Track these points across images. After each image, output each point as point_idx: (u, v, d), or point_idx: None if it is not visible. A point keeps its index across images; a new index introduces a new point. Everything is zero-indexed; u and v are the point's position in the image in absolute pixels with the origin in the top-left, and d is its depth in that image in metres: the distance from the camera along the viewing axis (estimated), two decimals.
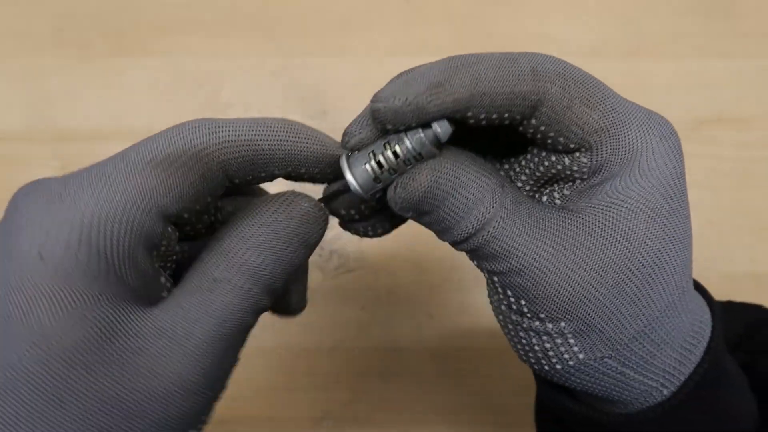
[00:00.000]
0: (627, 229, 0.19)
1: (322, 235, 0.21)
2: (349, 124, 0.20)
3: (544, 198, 0.21)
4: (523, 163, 0.22)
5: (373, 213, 0.23)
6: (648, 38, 0.43)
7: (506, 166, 0.22)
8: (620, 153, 0.19)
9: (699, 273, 0.43)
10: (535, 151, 0.21)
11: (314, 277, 0.41)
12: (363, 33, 0.44)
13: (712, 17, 0.44)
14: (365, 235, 0.23)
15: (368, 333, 0.41)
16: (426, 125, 0.19)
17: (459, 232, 0.20)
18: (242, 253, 0.19)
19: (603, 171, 0.19)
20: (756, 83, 0.43)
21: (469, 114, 0.19)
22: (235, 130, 0.19)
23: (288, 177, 0.21)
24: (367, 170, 0.20)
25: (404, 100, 0.18)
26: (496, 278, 0.20)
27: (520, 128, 0.20)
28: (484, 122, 0.19)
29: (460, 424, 0.40)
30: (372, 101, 0.19)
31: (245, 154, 0.19)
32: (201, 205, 0.19)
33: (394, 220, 0.23)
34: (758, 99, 0.43)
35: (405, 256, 0.41)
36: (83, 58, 0.43)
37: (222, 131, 0.18)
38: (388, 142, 0.20)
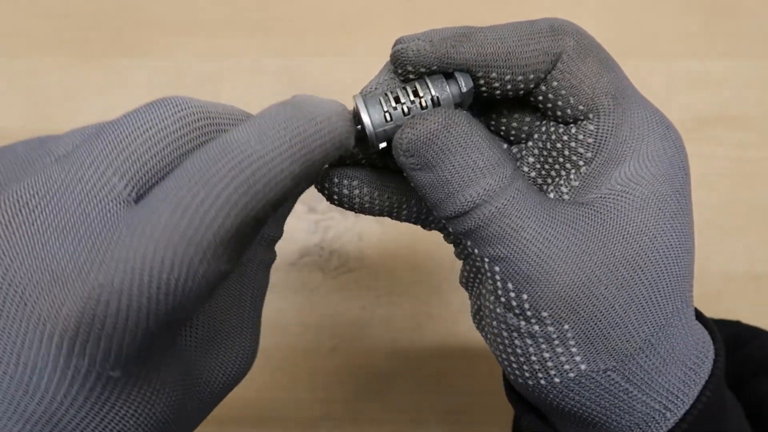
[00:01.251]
0: (639, 221, 0.18)
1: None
2: (369, 82, 0.19)
3: (551, 194, 0.20)
4: (530, 144, 0.21)
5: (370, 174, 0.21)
6: (648, 38, 0.43)
7: (514, 150, 0.21)
8: (627, 128, 0.19)
9: (699, 273, 0.43)
10: (543, 128, 0.20)
11: (314, 277, 0.41)
12: (363, 33, 0.44)
13: (712, 17, 0.44)
14: (350, 205, 0.21)
15: (368, 333, 0.41)
16: (449, 76, 0.18)
17: (463, 200, 0.18)
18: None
19: (609, 146, 0.18)
20: (756, 83, 0.43)
21: (493, 75, 0.18)
22: (289, 171, 0.15)
23: None
24: (380, 103, 0.18)
25: (429, 41, 0.18)
26: (497, 268, 0.18)
27: (534, 94, 0.19)
28: (508, 86, 0.19)
29: (460, 424, 0.40)
30: (394, 44, 0.18)
31: (292, 188, 0.16)
32: None
33: (386, 191, 0.21)
34: (758, 99, 0.43)
35: (405, 256, 0.41)
36: (83, 58, 0.43)
37: (277, 179, 0.15)
38: (406, 85, 0.19)
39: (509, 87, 0.19)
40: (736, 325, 0.27)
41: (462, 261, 0.22)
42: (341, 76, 0.43)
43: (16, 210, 0.14)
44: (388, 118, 0.18)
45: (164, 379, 0.16)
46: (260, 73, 0.43)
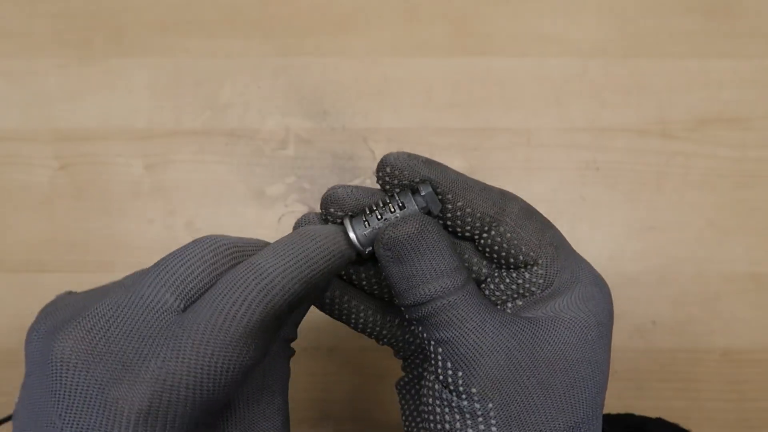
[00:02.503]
0: (565, 338, 0.21)
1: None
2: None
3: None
4: (492, 286, 0.24)
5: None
6: (648, 38, 0.43)
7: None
8: (568, 273, 0.23)
9: (699, 273, 0.43)
10: (495, 273, 0.24)
11: None
12: (363, 33, 0.44)
13: (712, 17, 0.44)
14: (330, 310, 0.26)
15: None
16: (414, 192, 0.23)
17: (422, 293, 0.21)
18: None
19: (553, 285, 0.23)
20: (756, 83, 0.43)
21: (449, 197, 0.23)
22: (297, 278, 0.20)
23: None
24: (360, 219, 0.23)
25: (407, 154, 0.23)
26: (440, 349, 0.22)
27: (488, 243, 0.23)
28: (458, 213, 0.23)
29: None
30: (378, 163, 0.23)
31: (305, 292, 0.21)
32: None
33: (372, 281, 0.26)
34: (758, 99, 0.43)
35: None
36: (83, 58, 0.43)
37: (288, 285, 0.20)
38: (379, 200, 0.23)
39: (459, 215, 0.23)
40: (626, 418, 0.31)
41: (403, 372, 0.27)
42: (341, 76, 0.43)
43: (95, 321, 0.19)
44: (366, 225, 0.23)
45: None
46: (260, 73, 0.43)
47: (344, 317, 0.26)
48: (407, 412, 0.25)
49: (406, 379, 0.26)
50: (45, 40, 0.44)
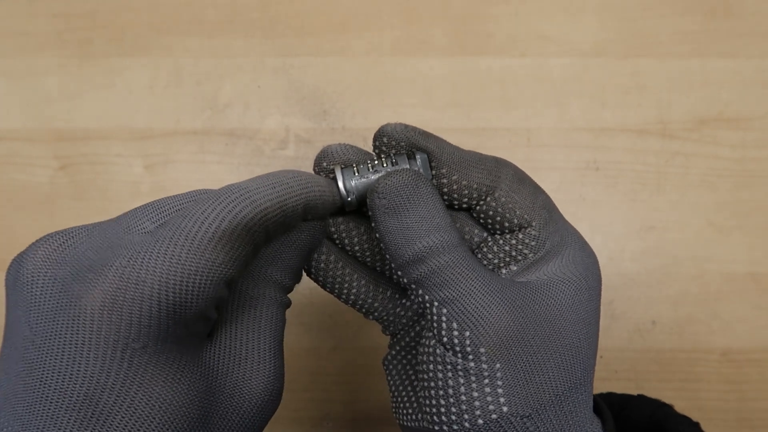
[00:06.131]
0: (560, 300, 0.22)
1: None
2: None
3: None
4: (485, 249, 0.24)
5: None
6: (648, 38, 0.43)
7: None
8: (558, 236, 0.23)
9: (699, 273, 0.43)
10: (490, 240, 0.24)
11: None
12: (363, 33, 0.44)
13: (712, 17, 0.44)
14: (318, 275, 0.25)
15: (368, 333, 0.41)
16: (411, 157, 0.23)
17: (420, 247, 0.21)
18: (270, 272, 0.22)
19: (546, 247, 0.23)
20: (756, 83, 0.43)
21: (444, 170, 0.23)
22: (269, 197, 0.20)
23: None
24: (351, 169, 0.23)
25: (404, 125, 0.23)
26: (444, 309, 0.21)
27: (483, 210, 0.23)
28: (454, 186, 0.23)
29: None
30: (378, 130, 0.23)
31: (280, 217, 0.21)
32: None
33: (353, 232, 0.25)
34: (758, 99, 0.43)
35: None
36: (83, 58, 0.43)
37: (260, 200, 0.20)
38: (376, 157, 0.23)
39: (455, 188, 0.23)
40: (609, 396, 0.31)
41: (389, 349, 0.26)
42: (341, 76, 0.43)
43: (67, 237, 0.19)
44: (356, 174, 0.23)
45: (186, 370, 0.19)
46: (260, 73, 0.43)
47: (337, 287, 0.25)
48: (396, 387, 0.25)
49: (393, 353, 0.25)
50: (45, 40, 0.44)
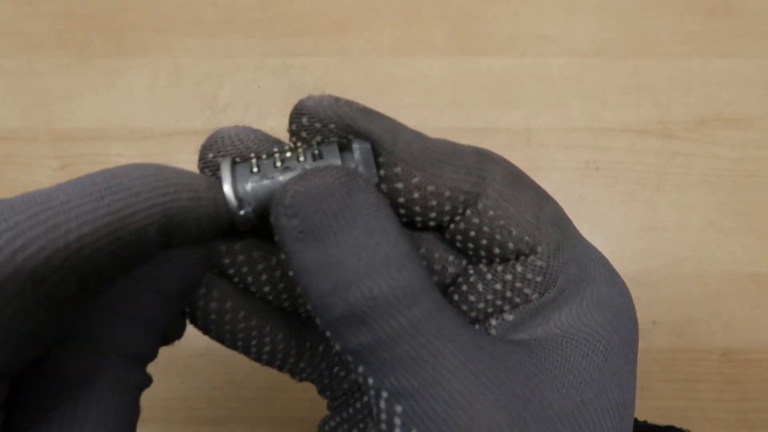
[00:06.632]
0: (583, 371, 0.14)
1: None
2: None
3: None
4: (465, 288, 0.16)
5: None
6: (648, 38, 0.43)
7: None
8: (575, 266, 0.15)
9: (699, 273, 0.43)
10: (471, 271, 0.16)
11: None
12: (363, 33, 0.44)
13: (712, 17, 0.44)
14: (212, 327, 0.16)
15: None
16: (344, 148, 0.15)
17: (360, 295, 0.12)
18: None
19: (556, 285, 0.15)
20: (756, 83, 0.43)
21: (397, 170, 0.14)
22: (88, 216, 0.12)
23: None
24: (247, 165, 0.15)
25: (335, 98, 0.15)
26: (399, 408, 0.13)
27: (459, 228, 0.16)
28: (415, 194, 0.15)
29: None
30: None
31: (112, 246, 0.12)
32: None
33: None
34: (758, 99, 0.43)
35: None
36: (83, 58, 0.43)
37: (67, 223, 0.11)
38: (289, 146, 0.15)
39: (416, 198, 0.14)
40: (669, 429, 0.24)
41: (332, 409, 0.18)
42: (341, 76, 0.43)
43: None
44: (255, 169, 0.14)
45: None
46: (260, 73, 0.43)
47: (240, 344, 0.16)
48: None
49: (333, 424, 0.18)
50: (45, 40, 0.44)
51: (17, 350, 0.11)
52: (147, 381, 0.15)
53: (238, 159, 0.15)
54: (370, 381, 0.13)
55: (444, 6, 0.44)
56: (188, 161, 0.42)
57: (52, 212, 0.11)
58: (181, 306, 0.15)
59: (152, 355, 0.15)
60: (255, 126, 0.46)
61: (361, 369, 0.13)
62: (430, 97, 0.43)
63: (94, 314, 0.14)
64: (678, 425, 0.29)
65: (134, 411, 0.14)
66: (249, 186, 0.14)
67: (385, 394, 0.13)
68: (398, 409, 0.13)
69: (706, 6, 0.44)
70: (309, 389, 0.41)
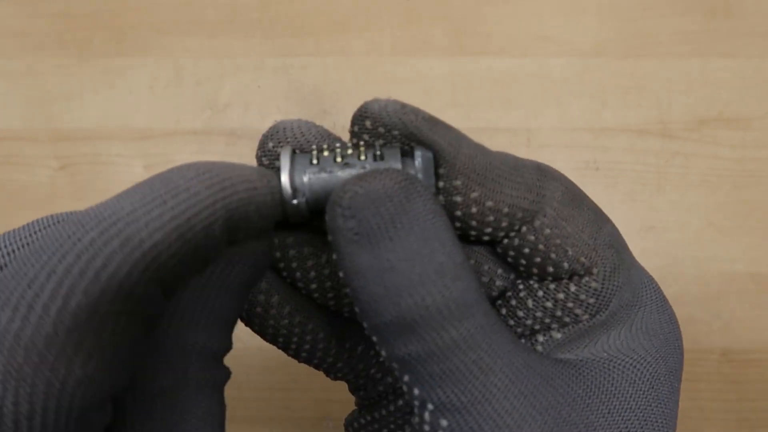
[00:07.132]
0: (629, 397, 0.14)
1: None
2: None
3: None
4: (514, 303, 0.16)
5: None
6: (648, 38, 0.43)
7: None
8: (629, 291, 0.15)
9: (699, 273, 0.43)
10: (521, 286, 0.16)
11: None
12: (363, 33, 0.44)
13: (712, 17, 0.44)
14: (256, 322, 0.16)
15: None
16: (406, 154, 0.14)
17: (412, 303, 0.12)
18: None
19: (609, 308, 0.15)
20: (756, 83, 0.43)
21: (457, 183, 0.14)
22: (157, 224, 0.12)
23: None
24: (307, 156, 0.15)
25: (401, 104, 0.14)
26: (444, 422, 0.13)
27: (515, 244, 0.15)
28: (473, 209, 0.15)
29: None
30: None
31: (184, 251, 0.12)
32: None
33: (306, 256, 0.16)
34: (758, 99, 0.43)
35: None
36: (83, 58, 0.43)
37: (141, 235, 0.11)
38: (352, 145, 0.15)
39: (474, 213, 0.14)
40: None
41: (362, 408, 0.18)
42: (341, 76, 0.43)
43: None
44: (314, 161, 0.14)
45: None
46: (260, 73, 0.43)
47: (281, 339, 0.16)
48: None
49: (362, 421, 0.18)
50: (45, 40, 0.44)
51: (124, 369, 0.11)
52: (228, 374, 0.15)
53: (297, 150, 0.15)
54: (416, 391, 0.13)
55: (444, 6, 0.44)
56: (188, 161, 0.42)
57: (122, 224, 0.11)
58: (247, 298, 0.16)
59: (229, 348, 0.15)
60: (255, 126, 0.46)
61: (406, 378, 0.13)
62: (430, 97, 0.43)
63: (173, 319, 0.13)
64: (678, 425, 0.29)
65: (223, 407, 0.15)
66: (306, 177, 0.14)
67: (430, 407, 0.13)
68: (443, 423, 0.13)
69: (706, 6, 0.44)
70: (309, 389, 0.41)
